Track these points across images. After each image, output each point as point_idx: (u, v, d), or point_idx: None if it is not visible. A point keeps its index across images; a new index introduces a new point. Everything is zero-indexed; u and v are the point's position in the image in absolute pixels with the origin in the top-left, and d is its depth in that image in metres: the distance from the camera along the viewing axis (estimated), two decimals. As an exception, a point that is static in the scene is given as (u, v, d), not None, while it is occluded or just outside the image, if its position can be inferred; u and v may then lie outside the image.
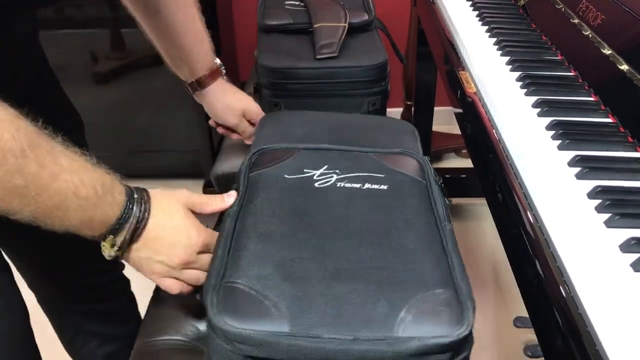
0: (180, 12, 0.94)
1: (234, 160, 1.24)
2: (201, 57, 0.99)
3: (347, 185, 0.72)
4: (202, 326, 0.83)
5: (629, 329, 0.49)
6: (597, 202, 0.63)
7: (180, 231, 0.68)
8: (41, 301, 1.07)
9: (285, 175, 0.73)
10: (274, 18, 1.25)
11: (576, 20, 0.96)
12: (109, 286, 1.10)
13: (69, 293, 1.06)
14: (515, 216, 0.70)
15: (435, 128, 1.90)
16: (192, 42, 0.97)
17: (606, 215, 0.61)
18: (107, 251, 0.65)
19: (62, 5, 1.76)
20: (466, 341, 0.55)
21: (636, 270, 0.55)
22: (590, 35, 0.91)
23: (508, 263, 0.71)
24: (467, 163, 1.99)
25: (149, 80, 1.83)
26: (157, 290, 0.88)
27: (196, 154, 1.98)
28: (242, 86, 1.70)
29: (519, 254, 0.68)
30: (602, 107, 0.82)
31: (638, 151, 0.73)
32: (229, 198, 0.71)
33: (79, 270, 1.03)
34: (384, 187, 0.72)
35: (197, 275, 0.70)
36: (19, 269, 0.99)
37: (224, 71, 1.04)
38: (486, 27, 1.09)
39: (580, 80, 0.89)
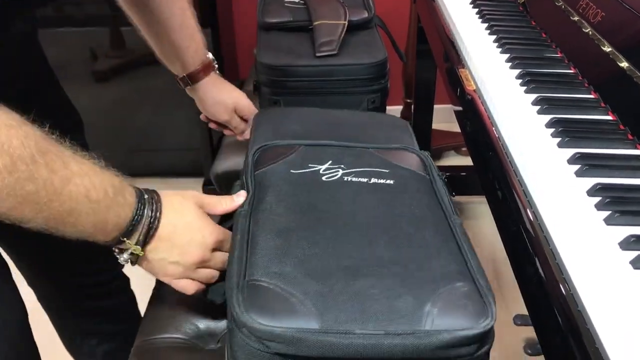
0: (171, 7, 0.93)
1: (233, 158, 1.24)
2: (193, 52, 0.99)
3: (354, 179, 0.72)
4: (201, 324, 0.83)
5: (628, 327, 0.49)
6: (596, 199, 0.63)
7: (194, 229, 0.68)
8: (41, 299, 1.07)
9: (291, 170, 0.73)
10: (274, 15, 1.25)
11: (576, 18, 0.96)
12: (109, 284, 1.10)
13: (69, 291, 1.06)
14: (515, 214, 0.70)
15: (435, 126, 1.90)
16: (183, 36, 0.96)
17: (606, 213, 0.61)
18: (122, 255, 0.65)
19: (62, 3, 1.75)
20: (490, 333, 0.56)
21: (636, 268, 0.55)
22: (590, 33, 0.90)
23: (508, 261, 0.71)
24: (467, 161, 1.99)
25: (148, 79, 1.83)
26: (157, 289, 0.88)
27: (196, 153, 1.97)
28: (241, 84, 1.70)
29: (519, 251, 0.68)
30: (602, 105, 0.82)
31: (638, 149, 0.73)
32: (239, 198, 0.71)
33: (78, 269, 1.03)
34: (390, 181, 0.72)
35: (210, 274, 0.70)
36: (18, 268, 0.99)
37: (216, 66, 1.04)
38: (486, 25, 1.09)
39: (580, 78, 0.89)
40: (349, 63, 1.12)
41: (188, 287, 0.70)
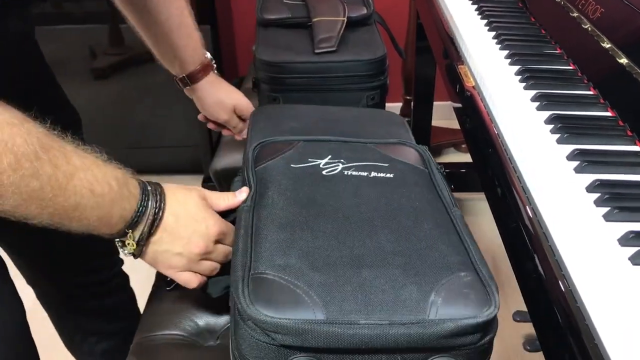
0: (168, 7, 0.93)
1: (232, 155, 1.24)
2: (191, 50, 0.99)
3: (354, 173, 0.72)
4: (200, 321, 0.83)
5: (627, 323, 0.49)
6: (595, 195, 0.63)
7: (198, 220, 0.68)
8: (41, 298, 1.07)
9: (292, 165, 0.73)
10: (273, 12, 1.25)
11: (575, 14, 0.96)
12: (109, 283, 1.10)
13: (69, 290, 1.06)
14: (514, 210, 0.69)
15: (434, 123, 1.90)
16: (181, 36, 0.96)
17: (605, 209, 0.61)
18: (127, 248, 0.65)
19: (61, 0, 1.75)
20: (494, 321, 0.56)
21: (635, 264, 0.55)
22: (589, 29, 0.90)
23: (507, 257, 0.71)
24: (467, 158, 1.99)
25: (147, 76, 1.83)
26: (156, 286, 0.88)
27: (195, 150, 1.98)
28: (240, 81, 1.70)
29: (518, 248, 0.68)
30: (601, 101, 0.82)
31: (637, 145, 0.73)
32: (241, 194, 0.71)
33: (78, 267, 1.03)
34: (390, 175, 0.73)
35: (213, 266, 0.70)
36: (18, 267, 0.99)
37: (214, 65, 1.03)
38: (485, 21, 1.09)
39: (580, 74, 0.89)
40: (348, 60, 1.12)
41: (191, 280, 0.70)
